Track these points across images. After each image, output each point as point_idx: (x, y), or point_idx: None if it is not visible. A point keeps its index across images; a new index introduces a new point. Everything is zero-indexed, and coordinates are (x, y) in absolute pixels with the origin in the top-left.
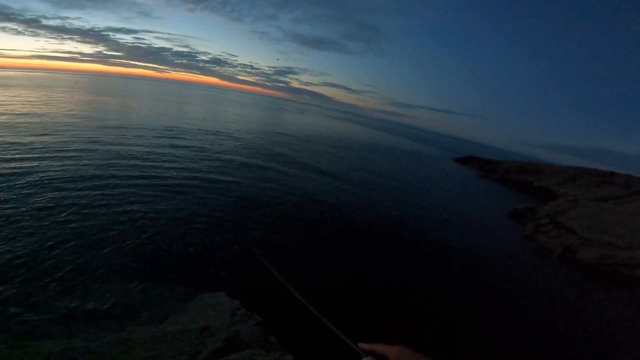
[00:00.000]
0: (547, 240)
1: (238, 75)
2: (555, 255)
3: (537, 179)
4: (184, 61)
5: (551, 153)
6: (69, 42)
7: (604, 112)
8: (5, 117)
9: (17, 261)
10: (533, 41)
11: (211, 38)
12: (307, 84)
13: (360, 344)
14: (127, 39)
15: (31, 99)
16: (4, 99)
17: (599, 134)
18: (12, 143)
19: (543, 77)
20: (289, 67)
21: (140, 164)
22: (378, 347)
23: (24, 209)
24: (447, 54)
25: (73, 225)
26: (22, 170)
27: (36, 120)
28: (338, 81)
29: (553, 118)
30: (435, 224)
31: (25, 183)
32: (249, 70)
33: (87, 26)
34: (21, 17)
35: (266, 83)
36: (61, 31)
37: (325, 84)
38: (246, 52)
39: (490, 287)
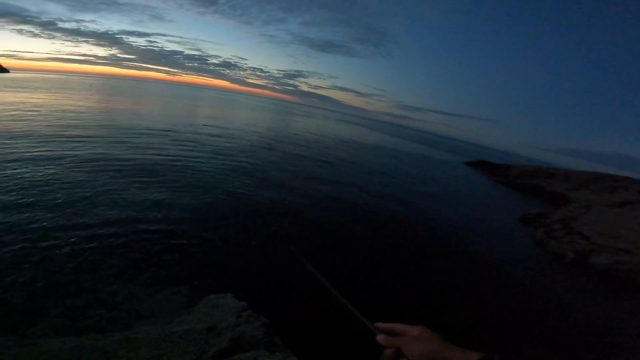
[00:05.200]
0: (559, 246)
1: (248, 78)
2: (567, 260)
3: (549, 183)
4: (195, 64)
5: (563, 157)
6: (84, 44)
7: (617, 115)
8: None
9: (23, 260)
10: (544, 44)
11: (221, 41)
12: (316, 87)
13: (378, 324)
14: (140, 42)
15: (61, 101)
16: (30, 100)
17: (613, 137)
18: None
19: (554, 80)
20: (297, 71)
21: (149, 166)
22: (398, 327)
23: (28, 213)
24: (456, 57)
25: (81, 224)
26: (27, 173)
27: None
28: (347, 84)
29: (565, 122)
30: (445, 227)
31: (29, 183)
32: (259, 73)
33: (102, 29)
34: (38, 20)
35: (275, 86)
36: (76, 34)
37: (334, 87)
38: (256, 55)
39: (499, 292)
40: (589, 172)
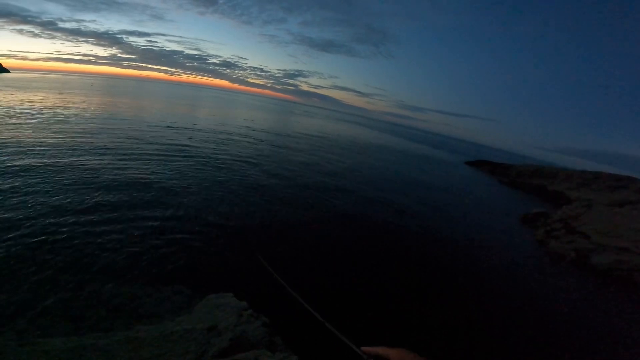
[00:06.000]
0: (560, 245)
1: (248, 78)
2: (568, 260)
3: (550, 183)
4: (195, 64)
5: (564, 157)
6: (84, 44)
7: (618, 114)
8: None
9: (26, 263)
10: (544, 43)
11: (222, 41)
12: (316, 87)
13: (364, 348)
14: (140, 41)
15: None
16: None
17: (614, 137)
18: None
19: (555, 80)
20: (298, 70)
21: (144, 169)
22: (381, 350)
23: (31, 212)
24: (456, 57)
25: (84, 227)
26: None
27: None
28: (347, 84)
29: (566, 121)
30: (445, 228)
31: (24, 188)
32: (259, 73)
33: (102, 29)
34: (38, 20)
35: (275, 86)
36: (77, 34)
37: (334, 87)
38: (256, 55)
39: (500, 293)
40: (590, 172)
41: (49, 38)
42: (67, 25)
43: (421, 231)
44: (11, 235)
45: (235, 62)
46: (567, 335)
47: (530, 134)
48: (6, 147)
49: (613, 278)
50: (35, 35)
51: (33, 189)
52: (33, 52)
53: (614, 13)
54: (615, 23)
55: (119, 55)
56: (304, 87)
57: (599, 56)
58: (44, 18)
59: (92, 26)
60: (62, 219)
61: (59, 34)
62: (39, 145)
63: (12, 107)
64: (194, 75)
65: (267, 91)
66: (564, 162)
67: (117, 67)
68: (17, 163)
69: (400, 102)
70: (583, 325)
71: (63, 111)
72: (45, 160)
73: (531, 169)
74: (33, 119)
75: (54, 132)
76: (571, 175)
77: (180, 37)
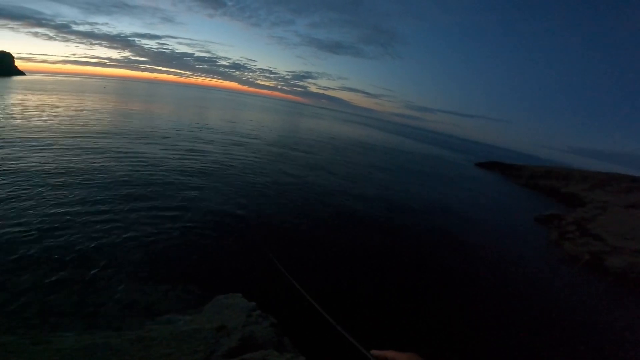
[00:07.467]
0: (574, 248)
1: (257, 80)
2: (582, 262)
3: (563, 184)
4: (205, 66)
5: (578, 157)
6: (97, 47)
7: (634, 115)
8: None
9: (38, 261)
10: (555, 42)
11: (231, 43)
12: (325, 88)
13: (373, 351)
14: (152, 44)
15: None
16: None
17: (629, 137)
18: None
19: (568, 79)
20: (306, 72)
21: (157, 169)
22: (390, 354)
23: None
24: (464, 57)
25: (94, 227)
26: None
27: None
28: (356, 85)
29: (580, 121)
30: (458, 230)
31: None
32: (268, 74)
33: (114, 32)
34: (52, 23)
35: (284, 88)
36: (90, 37)
37: (343, 88)
38: (265, 57)
39: (513, 294)
40: (604, 173)
41: (63, 41)
42: (81, 28)
43: (432, 233)
44: (22, 233)
45: (244, 64)
46: (581, 338)
47: (542, 134)
48: (24, 144)
49: (628, 281)
50: (50, 38)
51: (43, 185)
52: (48, 55)
53: (626, 10)
54: (630, 19)
55: (131, 57)
56: (313, 89)
57: (614, 54)
58: (58, 21)
59: (105, 29)
60: (72, 216)
61: (73, 37)
62: (50, 143)
63: (32, 108)
64: (204, 78)
65: (276, 93)
66: (577, 163)
67: (130, 69)
68: (33, 160)
69: (408, 102)
70: (597, 328)
71: (77, 114)
72: (56, 159)
73: (544, 170)
74: (51, 119)
75: (66, 132)
76: (585, 176)
77: (190, 39)
